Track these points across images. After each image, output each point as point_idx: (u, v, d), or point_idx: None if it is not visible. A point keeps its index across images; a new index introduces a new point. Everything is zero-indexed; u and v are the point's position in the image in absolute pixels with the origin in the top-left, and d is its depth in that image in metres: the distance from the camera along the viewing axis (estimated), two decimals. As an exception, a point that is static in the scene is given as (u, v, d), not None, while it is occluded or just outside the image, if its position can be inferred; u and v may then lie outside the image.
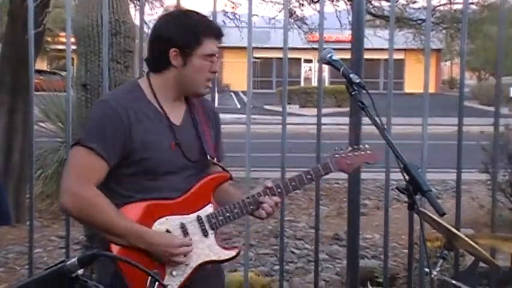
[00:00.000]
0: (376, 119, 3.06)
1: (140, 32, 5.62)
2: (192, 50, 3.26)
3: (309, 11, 16.76)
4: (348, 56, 5.05)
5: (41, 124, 11.18)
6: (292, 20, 15.63)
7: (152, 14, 16.45)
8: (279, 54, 5.54)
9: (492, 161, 6.50)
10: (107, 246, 3.18)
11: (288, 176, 5.21)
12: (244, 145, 5.30)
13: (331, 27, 13.95)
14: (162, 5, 15.75)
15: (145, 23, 5.99)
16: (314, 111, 5.61)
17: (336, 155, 3.49)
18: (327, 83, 41.42)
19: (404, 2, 16.90)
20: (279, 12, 17.06)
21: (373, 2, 15.84)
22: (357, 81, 3.14)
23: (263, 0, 16.37)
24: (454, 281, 3.59)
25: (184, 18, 3.33)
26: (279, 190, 3.40)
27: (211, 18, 4.96)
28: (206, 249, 3.31)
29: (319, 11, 5.69)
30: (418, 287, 5.35)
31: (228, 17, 15.84)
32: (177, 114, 3.36)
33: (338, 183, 13.45)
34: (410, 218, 5.06)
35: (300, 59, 52.52)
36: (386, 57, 5.38)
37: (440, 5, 17.94)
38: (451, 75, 63.83)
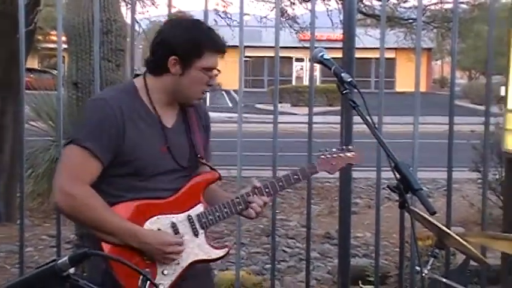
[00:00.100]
0: (368, 118, 3.06)
1: (131, 31, 5.61)
2: (192, 61, 3.25)
3: (300, 10, 16.75)
4: (339, 55, 5.05)
5: (32, 123, 11.13)
6: (284, 19, 15.62)
7: (143, 13, 16.46)
8: (271, 53, 5.54)
9: (483, 159, 6.52)
10: (98, 244, 3.18)
11: (279, 175, 5.22)
12: (236, 144, 5.30)
13: (323, 26, 13.96)
14: (153, 3, 15.73)
15: (137, 21, 6.00)
16: (305, 110, 5.61)
17: (322, 156, 3.53)
18: (318, 82, 41.37)
19: (396, 1, 16.92)
20: (271, 11, 17.09)
21: (364, 1, 15.85)
22: (348, 80, 3.14)
23: (254, -1, 16.39)
24: (445, 280, 3.59)
25: (190, 28, 3.31)
26: (266, 190, 3.42)
27: (205, 20, 4.97)
28: (196, 248, 3.33)
29: (310, 10, 5.69)
30: (409, 285, 5.37)
31: (220, 16, 15.84)
32: (169, 116, 3.36)
33: (329, 182, 13.46)
34: (401, 217, 5.09)
35: (291, 58, 52.55)
36: (377, 56, 5.39)
37: (431, 4, 17.96)
38: (442, 74, 63.92)
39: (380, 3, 5.65)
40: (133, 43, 5.74)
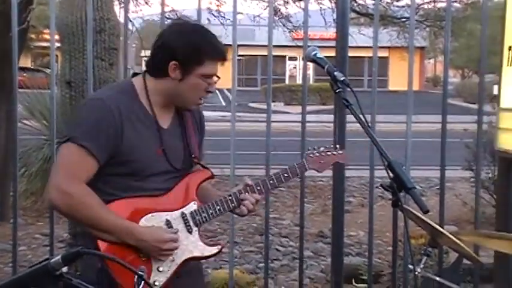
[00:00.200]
0: (361, 116, 3.06)
1: (125, 30, 5.61)
2: (192, 68, 3.26)
3: (293, 9, 16.76)
4: (332, 53, 5.06)
5: (25, 122, 11.11)
6: (277, 18, 15.61)
7: (136, 12, 16.42)
8: (264, 52, 5.54)
9: (475, 158, 6.54)
10: (94, 242, 3.19)
11: (272, 173, 5.22)
12: (229, 142, 5.31)
13: (316, 25, 13.99)
14: (146, 2, 15.70)
15: (130, 20, 6.00)
16: (299, 108, 5.62)
17: (311, 155, 3.56)
18: (311, 81, 41.44)
19: (389, 0, 16.91)
20: (264, 10, 17.06)
21: (357, 0, 15.86)
22: (342, 79, 3.15)
23: (248, -2, 16.39)
24: (438, 278, 3.60)
25: (192, 34, 3.31)
26: (258, 188, 3.45)
27: (198, 18, 4.97)
28: (190, 245, 3.35)
29: (303, 9, 5.69)
30: (403, 284, 5.38)
31: (213, 15, 15.81)
32: (165, 117, 3.38)
33: (322, 181, 13.47)
34: (394, 216, 5.08)
35: (284, 57, 52.55)
36: (370, 55, 5.40)
37: (424, 3, 17.95)
38: (435, 73, 63.98)
39: (373, 2, 5.66)
40: (127, 42, 5.74)
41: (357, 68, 45.75)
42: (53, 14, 5.42)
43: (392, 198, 2.97)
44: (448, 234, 3.50)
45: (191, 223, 3.35)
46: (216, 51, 3.31)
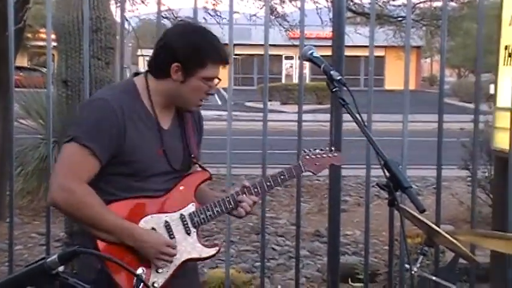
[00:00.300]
0: (357, 115, 3.06)
1: (121, 29, 5.61)
2: (194, 71, 3.26)
3: (289, 8, 16.75)
4: (328, 53, 5.07)
5: (21, 121, 11.11)
6: (273, 17, 15.62)
7: (133, 11, 16.42)
8: (260, 51, 5.55)
9: (472, 157, 6.55)
10: (94, 242, 3.20)
11: (268, 173, 5.22)
12: (225, 142, 5.30)
13: (312, 24, 13.98)
14: (143, 1, 15.69)
15: (126, 19, 5.99)
16: (295, 108, 5.62)
17: (307, 157, 3.58)
18: (308, 80, 41.46)
19: (385, -1, 16.94)
20: (260, 9, 17.06)
21: (353, -1, 15.87)
22: (338, 78, 3.15)
23: (244, -3, 16.39)
24: (434, 277, 3.60)
25: (196, 36, 3.31)
26: (255, 189, 3.47)
27: (194, 17, 4.97)
28: (189, 247, 3.36)
29: (300, 8, 5.70)
30: (399, 283, 5.38)
31: (209, 14, 15.82)
32: (166, 118, 3.39)
33: (319, 180, 13.47)
34: (390, 215, 5.11)
35: (281, 56, 52.56)
36: (366, 54, 5.40)
37: (420, 2, 17.99)
38: (431, 72, 64.05)
39: (369, 1, 5.65)
40: (123, 41, 5.73)
41: (353, 67, 45.81)
42: (50, 13, 5.42)
43: (389, 198, 2.97)
44: (444, 233, 3.50)
45: (190, 225, 3.36)
46: (218, 54, 3.31)
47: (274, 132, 10.97)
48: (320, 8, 16.09)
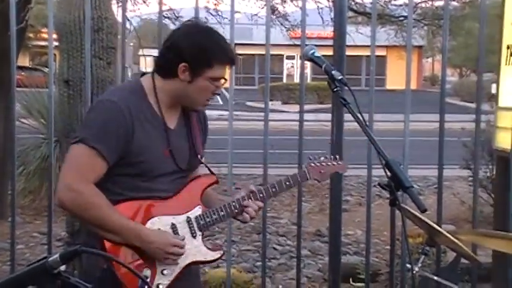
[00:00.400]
0: (358, 115, 3.06)
1: (122, 29, 5.61)
2: (201, 71, 3.28)
3: (291, 8, 16.72)
4: (330, 52, 5.06)
5: (23, 120, 11.13)
6: (275, 17, 15.60)
7: (134, 11, 16.40)
8: (262, 51, 5.54)
9: (473, 157, 6.54)
10: (100, 242, 3.21)
11: (269, 172, 5.23)
12: (227, 141, 5.31)
13: (313, 24, 13.95)
14: (144, 1, 15.69)
15: (128, 19, 5.99)
16: (296, 107, 5.61)
17: (312, 164, 3.60)
18: (309, 80, 41.40)
19: (386, -1, 16.91)
20: (261, 8, 17.01)
21: (355, -2, 15.85)
22: (339, 77, 3.15)
23: (245, -3, 16.39)
24: (435, 277, 3.60)
25: (203, 36, 3.32)
26: (261, 195, 3.49)
27: (195, 17, 4.97)
28: (194, 249, 3.39)
29: (301, 8, 5.70)
30: (400, 283, 5.38)
31: (211, 14, 15.79)
32: (172, 118, 3.41)
33: (320, 180, 13.44)
34: (392, 215, 5.10)
35: (282, 56, 52.57)
36: (368, 53, 5.40)
37: (421, 2, 17.94)
38: (433, 72, 64.04)
39: (371, 0, 5.66)
40: (124, 41, 5.74)
41: (354, 66, 45.74)
42: (51, 13, 5.42)
43: (390, 197, 2.97)
44: (445, 233, 3.50)
45: (195, 227, 3.39)
46: (226, 55, 3.33)
47: (275, 132, 10.97)
48: (321, 8, 16.07)
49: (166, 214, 3.33)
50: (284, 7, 16.42)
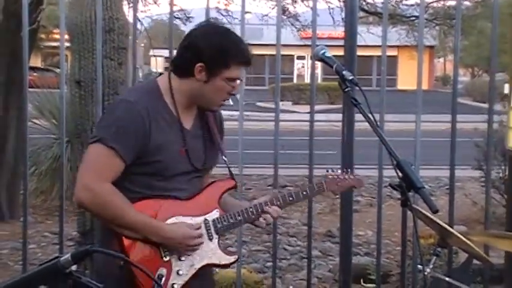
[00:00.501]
0: (369, 115, 3.06)
1: (133, 29, 5.61)
2: (218, 71, 3.30)
3: (301, 8, 16.75)
4: (341, 52, 5.05)
5: (35, 121, 11.18)
6: (285, 17, 15.63)
7: (145, 11, 16.47)
8: (272, 51, 5.54)
9: (486, 158, 6.52)
10: (117, 238, 3.25)
11: (280, 173, 5.22)
12: (237, 142, 5.31)
13: (324, 24, 13.95)
14: (155, 2, 15.73)
15: (139, 20, 6.00)
16: (307, 108, 5.61)
17: (330, 176, 3.63)
18: (319, 80, 41.38)
19: (398, -1, 16.90)
20: (272, 9, 17.09)
21: (366, -2, 15.84)
22: (350, 78, 3.14)
23: (256, -3, 16.39)
24: (447, 278, 3.60)
25: (220, 37, 3.33)
26: (278, 203, 3.51)
27: (206, 17, 4.97)
28: (210, 252, 3.42)
29: (312, 8, 5.69)
30: (411, 284, 5.36)
31: (221, 14, 15.85)
32: (188, 118, 3.43)
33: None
34: (403, 215, 5.09)
35: (293, 56, 52.56)
36: (379, 53, 5.38)
37: (433, 2, 17.92)
38: (445, 72, 63.88)
39: (382, 0, 5.65)
40: (135, 41, 5.74)
41: (365, 67, 45.79)
42: (63, 14, 5.44)
43: (401, 198, 2.96)
44: (457, 234, 3.49)
45: (212, 230, 3.41)
46: (242, 55, 3.35)
47: (285, 132, 10.94)
48: (332, 8, 16.08)
49: (184, 215, 3.35)
50: (295, 7, 16.46)
